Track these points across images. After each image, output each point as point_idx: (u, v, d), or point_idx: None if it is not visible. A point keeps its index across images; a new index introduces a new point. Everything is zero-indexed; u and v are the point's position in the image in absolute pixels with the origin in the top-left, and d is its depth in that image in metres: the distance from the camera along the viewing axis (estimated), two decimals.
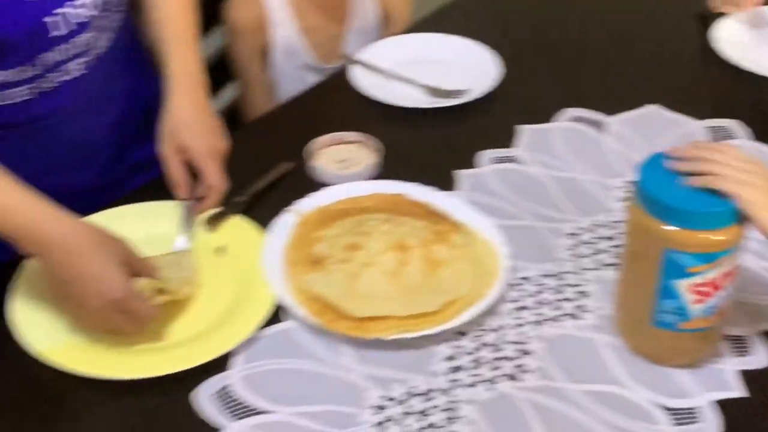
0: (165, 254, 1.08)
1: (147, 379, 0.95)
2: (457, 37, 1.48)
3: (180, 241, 1.12)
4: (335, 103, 1.41)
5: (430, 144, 1.31)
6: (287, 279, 1.06)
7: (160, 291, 1.02)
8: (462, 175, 1.23)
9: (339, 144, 1.28)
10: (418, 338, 0.99)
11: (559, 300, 1.04)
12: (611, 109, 1.34)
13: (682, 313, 0.92)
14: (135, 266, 0.99)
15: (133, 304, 0.96)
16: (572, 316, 1.02)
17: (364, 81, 1.40)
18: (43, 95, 1.14)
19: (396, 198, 1.17)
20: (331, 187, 1.21)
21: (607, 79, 1.43)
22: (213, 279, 1.08)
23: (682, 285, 0.90)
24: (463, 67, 1.43)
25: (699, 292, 0.90)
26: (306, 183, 1.22)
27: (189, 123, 1.18)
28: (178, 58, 1.22)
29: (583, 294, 1.05)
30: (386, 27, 1.64)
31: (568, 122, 1.32)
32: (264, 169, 1.23)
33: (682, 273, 0.89)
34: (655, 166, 0.91)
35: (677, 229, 0.87)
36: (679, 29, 1.55)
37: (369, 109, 1.36)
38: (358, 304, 1.01)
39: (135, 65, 1.28)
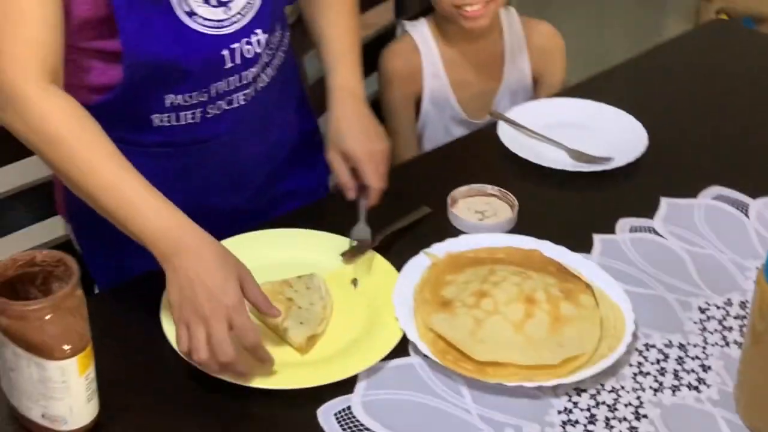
0: (299, 276, 1.16)
1: (277, 390, 1.02)
2: (606, 105, 1.51)
3: (359, 230, 1.22)
4: (479, 156, 1.47)
5: (568, 206, 1.35)
6: (415, 316, 1.11)
7: (300, 322, 1.10)
8: (598, 239, 1.26)
9: (479, 195, 1.33)
10: (536, 388, 1.02)
11: (681, 371, 1.05)
12: (756, 191, 1.34)
13: None
14: (248, 291, 1.04)
15: (240, 318, 1.00)
16: (692, 387, 1.03)
17: (509, 138, 1.45)
18: (207, 120, 1.25)
19: (530, 253, 1.21)
20: (467, 235, 1.26)
21: (753, 159, 1.43)
22: (345, 307, 1.15)
23: None
24: (609, 134, 1.46)
25: None
26: (443, 229, 1.27)
27: (350, 129, 1.27)
28: (342, 71, 1.33)
29: (705, 368, 1.06)
30: (537, 89, 1.70)
31: (711, 200, 1.33)
32: (405, 211, 1.29)
33: None
34: None
35: None
36: None
37: (511, 165, 1.41)
38: (481, 348, 1.05)
39: (292, 100, 1.39)
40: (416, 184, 1.39)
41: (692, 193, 1.34)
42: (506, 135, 1.46)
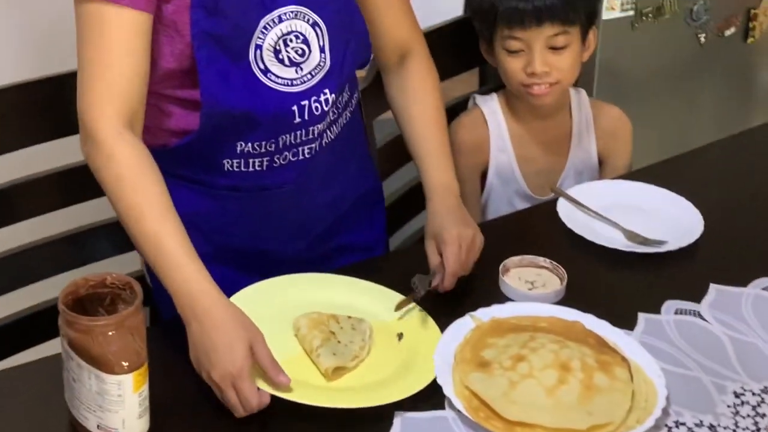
0: (349, 317, 1.25)
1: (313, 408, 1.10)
2: (666, 190, 1.56)
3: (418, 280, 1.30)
4: (536, 229, 1.53)
5: (617, 284, 1.39)
6: (453, 373, 1.17)
7: (333, 353, 1.18)
8: (642, 317, 1.30)
9: (530, 266, 1.39)
10: None
11: None
12: None
13: None
14: (258, 354, 1.11)
15: (242, 384, 1.08)
16: None
17: (567, 214, 1.51)
18: (273, 169, 1.34)
19: (572, 324, 1.26)
20: (513, 303, 1.31)
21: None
22: (385, 353, 1.23)
23: None
24: (666, 218, 1.50)
25: None
26: (492, 295, 1.33)
27: (446, 219, 1.34)
28: (439, 170, 1.42)
29: None
30: (603, 171, 1.75)
31: (761, 290, 1.36)
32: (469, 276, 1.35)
33: None
34: None
35: None
36: None
37: (567, 240, 1.46)
38: (512, 408, 1.10)
39: (357, 158, 1.48)
40: None
41: (743, 282, 1.37)
42: (565, 211, 1.52)
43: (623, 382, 1.15)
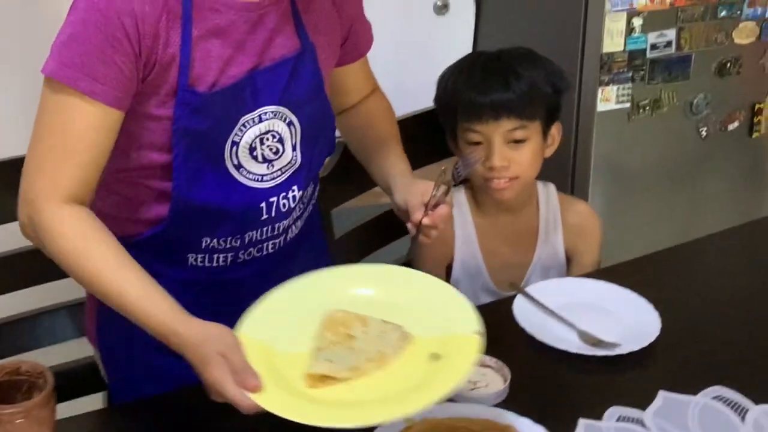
0: (385, 322, 1.23)
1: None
2: (628, 291, 1.53)
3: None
4: (492, 326, 1.48)
5: (564, 387, 1.36)
6: None
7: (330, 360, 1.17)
8: (582, 423, 1.26)
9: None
10: None
11: None
12: (761, 396, 1.32)
13: None
14: (229, 361, 1.12)
15: (224, 392, 1.11)
16: None
17: (522, 312, 1.49)
18: (235, 264, 1.36)
19: (504, 428, 1.23)
20: (451, 403, 1.29)
21: (765, 364, 1.40)
22: (406, 369, 1.19)
23: None
24: (624, 319, 1.48)
25: None
26: None
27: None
28: (399, 164, 1.47)
29: None
30: (570, 267, 1.73)
31: (710, 399, 1.32)
32: None
33: None
34: None
35: None
36: None
37: (519, 339, 1.44)
38: None
39: (313, 248, 1.49)
40: None
41: (694, 390, 1.33)
42: (520, 309, 1.50)
43: None
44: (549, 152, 1.66)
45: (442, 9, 2.87)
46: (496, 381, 1.34)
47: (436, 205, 1.32)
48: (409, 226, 1.37)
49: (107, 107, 1.19)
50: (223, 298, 1.38)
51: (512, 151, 1.60)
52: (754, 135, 2.64)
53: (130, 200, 1.32)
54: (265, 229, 1.34)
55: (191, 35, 1.20)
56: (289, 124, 1.32)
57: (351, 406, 1.12)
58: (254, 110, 1.28)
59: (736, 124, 2.60)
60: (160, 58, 1.20)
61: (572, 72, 2.36)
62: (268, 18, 1.27)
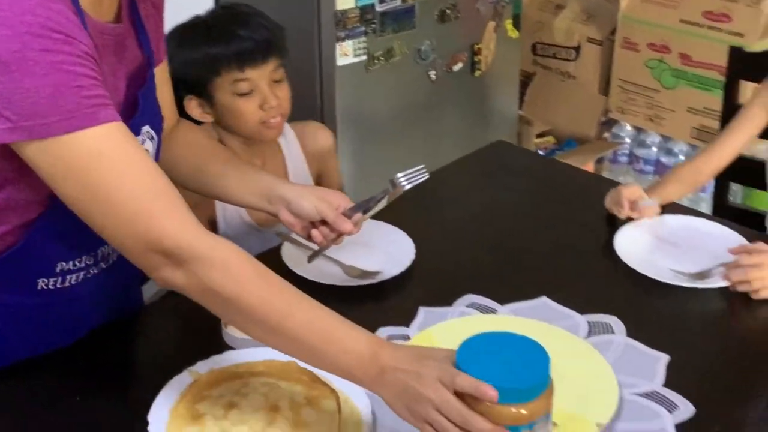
0: None
1: None
2: (383, 222, 1.63)
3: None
4: None
5: None
6: (168, 430, 1.16)
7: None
8: None
9: None
10: None
11: None
12: (504, 298, 1.46)
13: None
14: (458, 381, 1.01)
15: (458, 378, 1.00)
16: None
17: (292, 255, 1.54)
18: (86, 280, 1.28)
19: (286, 365, 1.28)
20: (231, 351, 1.33)
21: (508, 268, 1.55)
22: None
23: None
24: (382, 249, 1.57)
25: None
26: (215, 346, 1.34)
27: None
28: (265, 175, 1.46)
29: None
30: None
31: (465, 307, 1.44)
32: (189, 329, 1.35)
33: None
34: (472, 344, 1.03)
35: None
36: (589, 230, 1.68)
37: (290, 280, 1.49)
38: None
39: None
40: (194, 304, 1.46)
41: (449, 302, 1.45)
42: (289, 253, 1.55)
43: (330, 414, 1.18)
44: None
45: None
46: None
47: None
48: (317, 236, 1.41)
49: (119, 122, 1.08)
50: (65, 314, 1.30)
51: (277, 90, 1.67)
52: (476, 73, 2.84)
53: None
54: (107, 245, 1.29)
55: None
56: (152, 139, 1.28)
57: None
58: (139, 134, 1.23)
59: (460, 65, 2.78)
60: None
61: (310, 30, 2.43)
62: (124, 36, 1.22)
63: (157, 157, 1.31)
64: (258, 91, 1.66)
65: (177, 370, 1.27)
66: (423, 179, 1.45)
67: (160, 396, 1.22)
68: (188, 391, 1.23)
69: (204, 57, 1.64)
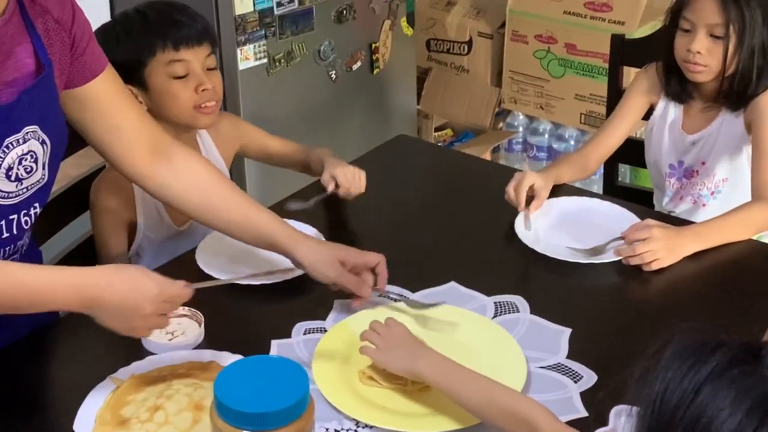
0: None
1: None
2: (293, 222, 1.63)
3: None
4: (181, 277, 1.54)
5: (253, 318, 1.44)
6: None
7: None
8: (275, 344, 1.36)
9: (170, 317, 1.40)
10: None
11: None
12: (418, 286, 1.49)
13: None
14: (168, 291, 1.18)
15: (169, 291, 1.18)
16: None
17: (204, 259, 1.54)
18: None
19: (208, 365, 1.29)
20: (153, 356, 1.32)
21: (417, 257, 1.59)
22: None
23: None
24: None
25: None
26: (135, 352, 1.33)
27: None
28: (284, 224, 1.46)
29: None
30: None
31: (376, 297, 1.46)
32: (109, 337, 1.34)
33: None
34: (232, 370, 1.00)
35: (230, 426, 0.94)
36: (491, 216, 1.72)
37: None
38: None
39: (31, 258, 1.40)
40: None
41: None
42: (201, 256, 1.55)
43: None
44: None
45: None
46: (191, 327, 1.39)
47: None
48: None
49: None
50: None
51: (211, 76, 1.67)
52: (375, 71, 2.87)
53: None
54: (7, 248, 1.26)
55: None
56: (42, 142, 1.25)
57: (373, 406, 1.22)
58: (19, 131, 1.21)
59: (359, 63, 2.81)
60: None
61: None
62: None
63: (53, 164, 1.30)
64: (193, 74, 1.64)
65: (99, 378, 1.26)
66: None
67: (85, 404, 1.21)
68: (112, 398, 1.23)
69: (140, 39, 1.62)
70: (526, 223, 1.63)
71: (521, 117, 3.31)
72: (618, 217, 1.67)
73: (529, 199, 1.68)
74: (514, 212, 1.68)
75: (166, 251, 1.69)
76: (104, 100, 1.35)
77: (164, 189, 1.42)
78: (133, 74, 1.63)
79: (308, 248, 1.40)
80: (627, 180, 2.80)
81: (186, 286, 1.22)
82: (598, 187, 2.49)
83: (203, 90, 1.65)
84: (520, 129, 3.32)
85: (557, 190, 1.75)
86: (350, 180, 1.70)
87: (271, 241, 1.42)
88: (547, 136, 3.27)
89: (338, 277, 1.38)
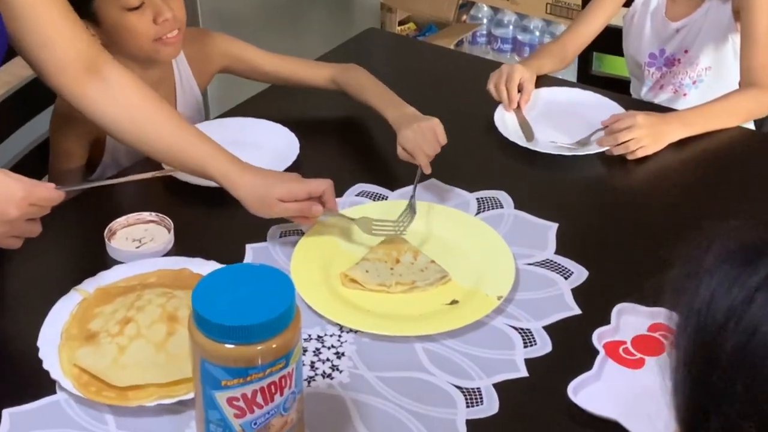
0: (431, 261, 1.23)
1: None
2: (267, 121, 1.53)
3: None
4: (144, 184, 1.42)
5: (226, 223, 1.33)
6: (60, 353, 1.06)
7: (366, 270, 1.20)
8: (249, 248, 1.26)
9: (137, 224, 1.29)
10: (177, 403, 1.00)
11: (317, 361, 1.07)
12: (397, 184, 1.39)
13: (225, 426, 0.87)
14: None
15: (36, 194, 1.04)
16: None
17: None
18: None
19: (179, 273, 1.19)
20: (120, 265, 1.22)
21: (392, 156, 1.47)
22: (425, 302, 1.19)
23: (220, 398, 0.85)
24: (269, 148, 1.47)
25: (236, 407, 0.85)
26: (101, 262, 1.22)
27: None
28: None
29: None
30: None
31: (353, 196, 1.37)
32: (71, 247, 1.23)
33: (218, 385, 0.84)
34: (211, 279, 0.88)
35: (211, 340, 0.83)
36: (469, 109, 1.62)
37: (171, 189, 1.38)
38: (121, 374, 1.02)
39: None
40: (79, 218, 1.34)
41: (339, 193, 1.37)
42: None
43: None
44: None
45: None
46: (160, 233, 1.28)
47: None
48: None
49: None
50: None
51: (170, 2, 1.46)
52: None
53: None
54: None
55: None
56: None
57: (356, 310, 1.15)
58: None
59: None
60: None
61: None
62: None
63: None
64: (149, 3, 1.44)
65: (64, 291, 1.15)
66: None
67: (48, 318, 1.11)
68: (78, 311, 1.12)
69: None
70: (526, 131, 1.50)
71: (485, 9, 3.16)
72: (601, 107, 1.57)
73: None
74: (493, 105, 1.57)
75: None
76: (36, 8, 1.18)
77: (96, 112, 1.26)
78: (80, 7, 1.37)
79: (243, 188, 1.24)
80: (599, 68, 2.69)
81: (56, 188, 1.08)
82: (572, 77, 2.38)
83: (164, 21, 1.45)
84: (484, 21, 3.18)
85: (537, 82, 1.64)
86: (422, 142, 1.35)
87: (205, 176, 1.28)
88: (511, 27, 3.14)
89: (279, 213, 1.24)
